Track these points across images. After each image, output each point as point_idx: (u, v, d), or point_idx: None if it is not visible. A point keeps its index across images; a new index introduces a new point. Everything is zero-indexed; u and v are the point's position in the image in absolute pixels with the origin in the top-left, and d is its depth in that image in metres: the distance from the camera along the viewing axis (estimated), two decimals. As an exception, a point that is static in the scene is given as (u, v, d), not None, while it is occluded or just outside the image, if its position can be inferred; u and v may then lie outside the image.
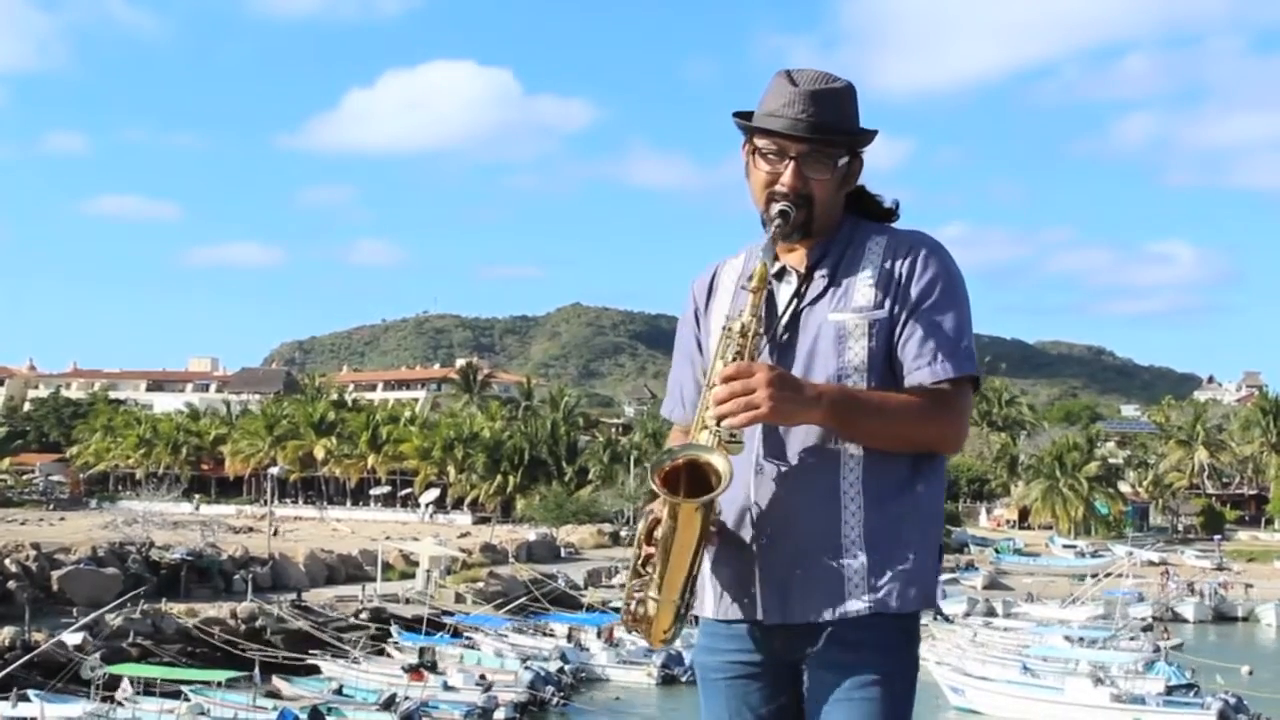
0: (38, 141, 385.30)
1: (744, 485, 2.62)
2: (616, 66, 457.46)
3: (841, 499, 2.61)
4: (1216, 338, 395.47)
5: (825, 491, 2.61)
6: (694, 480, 2.50)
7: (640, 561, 2.64)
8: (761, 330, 2.59)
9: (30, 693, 27.93)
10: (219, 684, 30.31)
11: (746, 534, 2.65)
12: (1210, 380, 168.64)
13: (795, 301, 2.68)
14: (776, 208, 2.63)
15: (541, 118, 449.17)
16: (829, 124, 2.63)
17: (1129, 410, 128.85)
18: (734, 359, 2.53)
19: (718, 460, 2.46)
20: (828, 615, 2.61)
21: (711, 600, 2.74)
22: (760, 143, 2.67)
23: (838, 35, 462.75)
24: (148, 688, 29.42)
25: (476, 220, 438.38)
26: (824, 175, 2.65)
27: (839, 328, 2.63)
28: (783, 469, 2.62)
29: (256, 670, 30.35)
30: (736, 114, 2.73)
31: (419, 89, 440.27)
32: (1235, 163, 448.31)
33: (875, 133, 2.71)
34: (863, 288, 2.65)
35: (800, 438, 2.62)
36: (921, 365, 2.60)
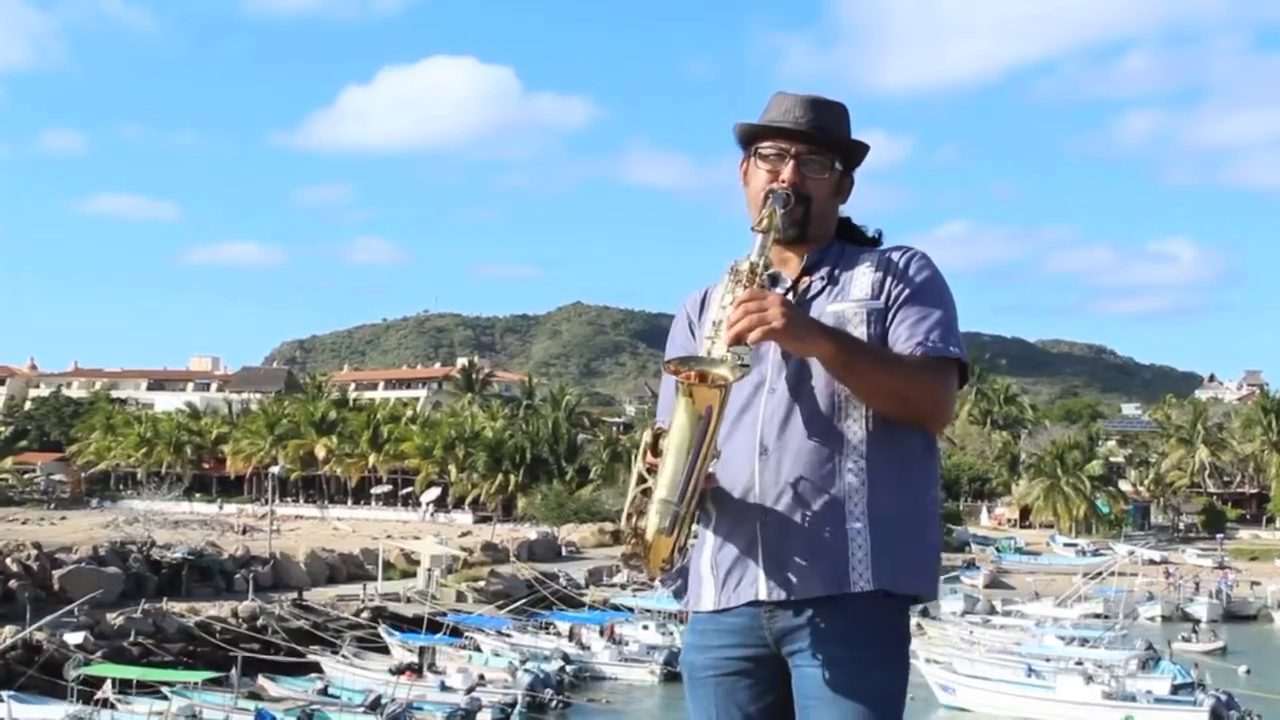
0: (34, 140, 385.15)
1: (748, 468, 2.67)
2: (615, 65, 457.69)
3: (845, 479, 2.66)
4: (1217, 336, 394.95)
5: (829, 472, 2.66)
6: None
7: (646, 469, 2.62)
8: (769, 270, 2.69)
9: (3, 693, 27.66)
10: (195, 685, 29.63)
11: (750, 516, 2.68)
12: (1211, 379, 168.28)
13: (791, 296, 2.73)
14: (779, 193, 2.74)
15: (540, 116, 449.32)
16: (828, 128, 2.79)
17: (1130, 409, 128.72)
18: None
19: (725, 370, 2.51)
20: (831, 590, 2.64)
21: (711, 590, 2.75)
22: (762, 146, 2.81)
23: (836, 33, 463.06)
24: (124, 687, 28.59)
25: (476, 219, 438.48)
26: (822, 175, 2.79)
27: (838, 317, 2.71)
28: (787, 450, 2.66)
29: (235, 671, 29.55)
30: (739, 125, 2.86)
31: (417, 87, 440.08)
32: (1236, 161, 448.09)
33: (868, 148, 2.85)
34: (860, 283, 2.76)
35: (804, 419, 2.67)
36: (913, 342, 2.70)
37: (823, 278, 2.78)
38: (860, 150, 2.85)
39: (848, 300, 2.74)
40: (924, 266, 2.77)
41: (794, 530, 2.65)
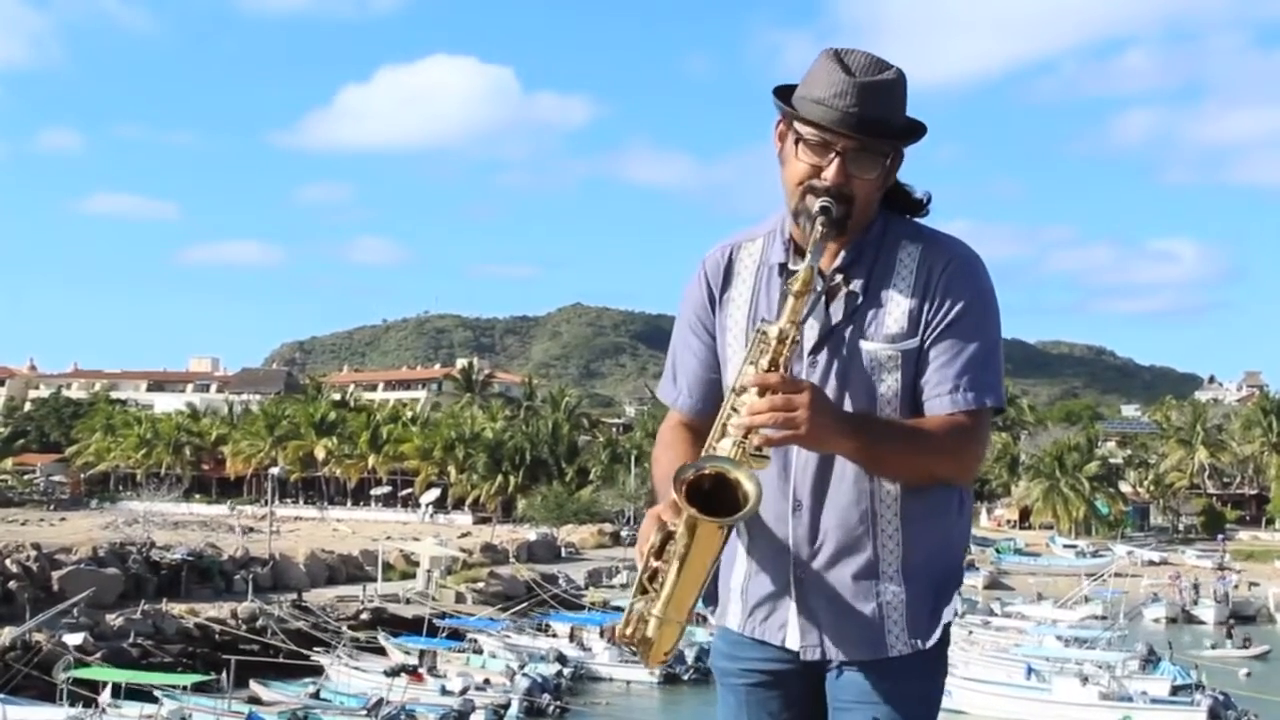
0: (32, 139, 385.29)
1: (782, 522, 2.59)
2: (615, 64, 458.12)
3: (879, 537, 2.58)
4: (1217, 336, 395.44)
5: (863, 530, 2.57)
6: (718, 491, 2.37)
7: (647, 576, 2.46)
8: (800, 338, 2.46)
9: None
10: (184, 688, 29.16)
11: (784, 570, 2.61)
12: (1211, 380, 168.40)
13: (826, 317, 2.57)
14: (818, 204, 2.47)
15: (540, 115, 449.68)
16: (882, 120, 2.47)
17: (1130, 410, 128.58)
18: (769, 367, 2.41)
19: (746, 481, 2.34)
20: (866, 656, 2.60)
21: (738, 615, 2.70)
22: (803, 129, 2.49)
23: (835, 30, 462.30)
24: (115, 690, 27.91)
25: (476, 219, 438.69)
26: (870, 174, 2.50)
27: (871, 358, 2.54)
28: (821, 507, 2.57)
29: (227, 674, 29.19)
30: (777, 91, 2.55)
31: (416, 85, 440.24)
32: (1236, 159, 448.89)
33: (925, 130, 2.55)
34: (895, 312, 2.55)
35: (837, 476, 2.57)
36: (942, 393, 2.54)
37: (856, 290, 2.56)
38: (918, 134, 2.54)
39: (881, 338, 2.54)
40: (966, 284, 2.56)
41: (828, 592, 2.59)
